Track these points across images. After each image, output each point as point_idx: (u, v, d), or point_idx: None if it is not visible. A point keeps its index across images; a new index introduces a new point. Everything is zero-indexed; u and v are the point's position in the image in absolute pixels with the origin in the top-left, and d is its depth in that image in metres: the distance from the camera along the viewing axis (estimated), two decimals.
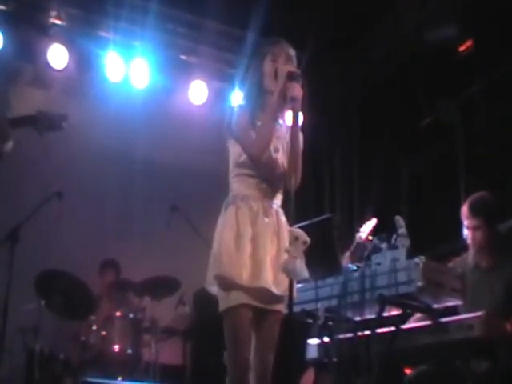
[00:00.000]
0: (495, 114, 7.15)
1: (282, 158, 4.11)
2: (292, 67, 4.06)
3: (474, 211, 5.16)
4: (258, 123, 4.04)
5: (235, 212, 3.99)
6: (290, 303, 3.64)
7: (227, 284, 3.89)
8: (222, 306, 3.94)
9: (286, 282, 3.71)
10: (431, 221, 7.34)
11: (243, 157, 4.06)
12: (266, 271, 3.88)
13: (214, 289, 4.00)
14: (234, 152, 4.12)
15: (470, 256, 5.27)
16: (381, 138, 8.44)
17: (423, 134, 7.93)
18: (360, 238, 5.45)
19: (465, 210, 5.23)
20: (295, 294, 3.84)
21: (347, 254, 5.30)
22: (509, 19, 6.79)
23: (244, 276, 3.85)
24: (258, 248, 3.91)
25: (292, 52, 4.22)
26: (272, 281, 3.89)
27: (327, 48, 8.64)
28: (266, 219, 3.99)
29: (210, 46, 8.71)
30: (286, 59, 4.16)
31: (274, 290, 3.90)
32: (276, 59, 4.15)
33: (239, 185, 4.08)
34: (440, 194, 7.51)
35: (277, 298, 3.95)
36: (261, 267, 3.87)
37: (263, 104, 4.12)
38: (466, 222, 5.21)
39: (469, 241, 5.21)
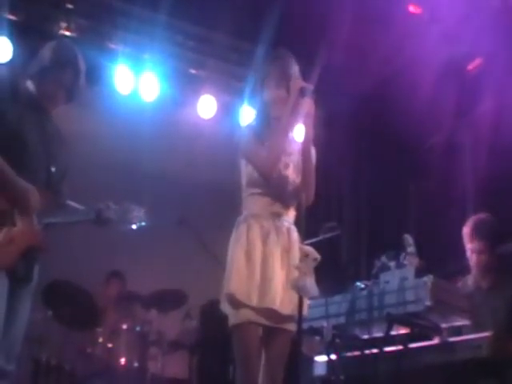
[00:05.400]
0: (504, 133, 7.15)
1: (292, 174, 4.10)
2: (303, 82, 4.04)
3: (479, 234, 5.19)
4: (266, 143, 4.05)
5: (246, 230, 3.98)
6: (299, 320, 3.63)
7: (236, 302, 3.89)
8: (231, 321, 3.94)
9: (295, 299, 3.71)
10: (439, 239, 7.32)
11: (254, 176, 4.06)
12: (273, 291, 3.87)
13: (224, 306, 3.99)
14: (246, 171, 4.13)
15: (469, 278, 5.30)
16: (391, 154, 8.43)
17: (433, 152, 7.93)
18: None
19: (468, 231, 5.24)
20: (306, 310, 3.85)
21: None
22: None
23: (252, 296, 3.85)
24: (267, 267, 3.90)
25: (293, 67, 4.16)
26: (281, 300, 3.89)
27: (339, 63, 8.62)
28: (277, 238, 3.98)
29: (219, 60, 8.68)
30: (280, 79, 4.10)
31: (282, 310, 3.89)
32: (278, 82, 4.09)
33: (251, 204, 4.08)
34: (448, 212, 7.51)
35: (286, 317, 3.93)
36: (269, 287, 3.87)
37: (270, 126, 4.12)
38: (470, 245, 5.23)
39: (472, 263, 5.22)
